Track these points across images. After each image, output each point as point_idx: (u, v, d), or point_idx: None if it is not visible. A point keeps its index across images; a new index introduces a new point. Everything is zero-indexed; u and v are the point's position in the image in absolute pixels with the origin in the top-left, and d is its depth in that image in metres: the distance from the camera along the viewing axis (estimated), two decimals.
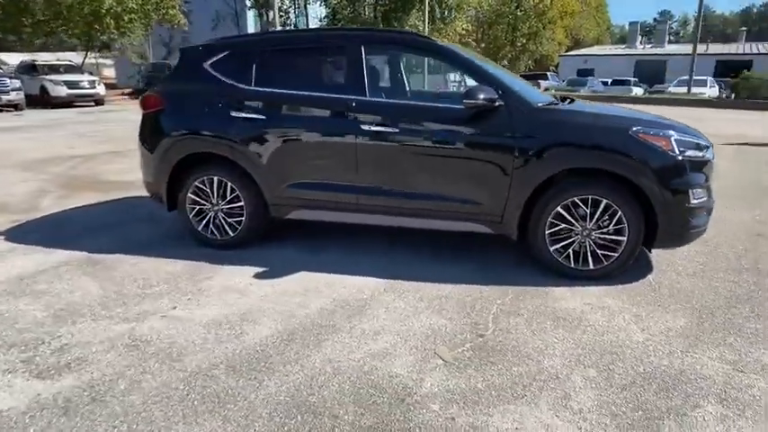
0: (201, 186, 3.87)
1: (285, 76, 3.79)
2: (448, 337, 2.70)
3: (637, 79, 33.69)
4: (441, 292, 3.22)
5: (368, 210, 3.64)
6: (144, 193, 4.38)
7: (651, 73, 41.29)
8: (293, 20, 31.52)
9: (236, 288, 3.30)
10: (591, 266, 3.32)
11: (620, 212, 3.18)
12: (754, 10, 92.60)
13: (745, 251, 3.97)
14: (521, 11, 46.83)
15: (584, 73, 44.74)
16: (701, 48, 28.02)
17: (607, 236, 3.25)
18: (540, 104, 3.38)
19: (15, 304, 3.08)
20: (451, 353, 2.56)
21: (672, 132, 3.21)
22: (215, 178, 3.82)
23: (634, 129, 3.18)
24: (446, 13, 33.46)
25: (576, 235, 3.30)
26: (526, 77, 15.11)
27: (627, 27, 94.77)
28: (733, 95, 21.51)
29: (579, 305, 3.05)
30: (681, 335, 2.72)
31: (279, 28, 21.67)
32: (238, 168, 3.77)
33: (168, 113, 3.92)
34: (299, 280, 3.42)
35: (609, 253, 3.28)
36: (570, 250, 3.34)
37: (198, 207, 3.93)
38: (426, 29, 26.79)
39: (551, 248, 3.35)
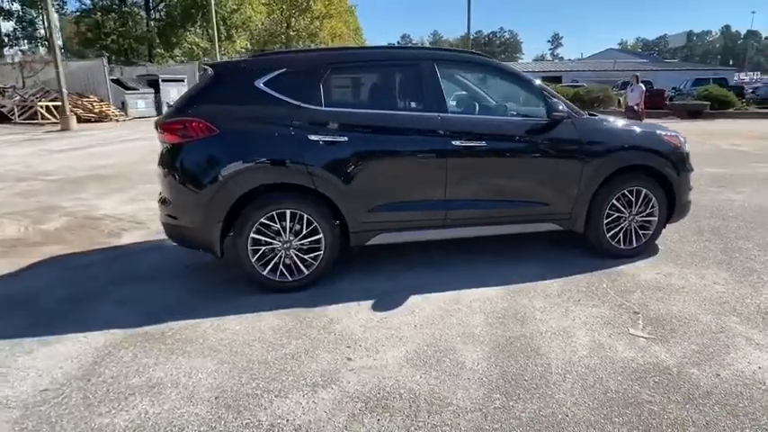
0: (268, 223, 3.40)
1: (355, 95, 3.60)
2: (620, 320, 3.07)
3: None
4: (555, 287, 3.55)
5: (455, 224, 3.73)
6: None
7: None
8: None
9: (378, 324, 3.08)
10: (634, 245, 4.05)
11: (653, 198, 3.98)
12: (471, 37, 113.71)
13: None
14: (293, 31, 48.44)
15: None
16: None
17: (644, 218, 4.03)
18: (585, 115, 3.98)
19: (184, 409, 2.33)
20: (641, 331, 2.94)
21: (677, 132, 4.16)
22: (288, 211, 3.40)
23: (659, 132, 4.03)
24: (231, 31, 32.55)
25: (625, 221, 3.99)
26: None
27: None
28: None
29: (654, 275, 3.74)
30: (706, 272, 3.61)
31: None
32: (318, 197, 3.44)
33: (225, 141, 3.32)
34: (422, 304, 3.34)
35: (645, 232, 4.06)
36: (621, 234, 4.02)
37: (263, 248, 3.43)
38: (217, 47, 25.72)
39: (607, 235, 3.97)
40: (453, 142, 3.57)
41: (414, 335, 2.94)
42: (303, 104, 3.41)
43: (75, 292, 3.65)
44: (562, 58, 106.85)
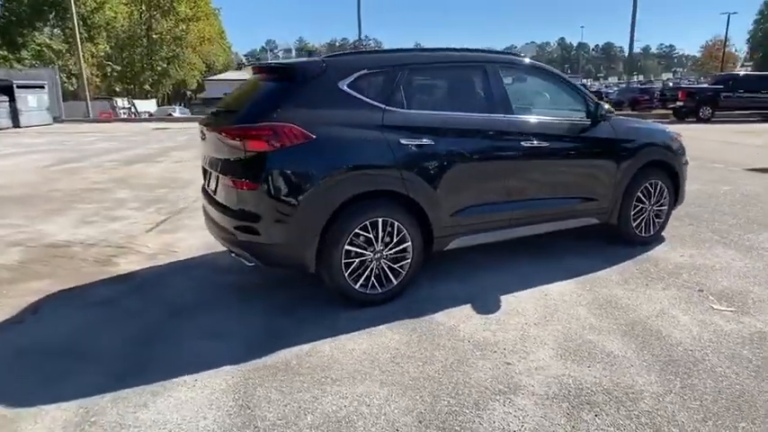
0: (361, 233, 3.23)
1: (431, 97, 3.56)
2: (693, 298, 3.44)
3: None
4: (614, 277, 3.86)
5: (518, 223, 3.86)
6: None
7: None
8: None
9: (498, 326, 3.10)
10: (651, 232, 4.55)
11: (666, 189, 4.51)
12: (337, 44, 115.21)
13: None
14: (156, 34, 45.05)
15: None
16: None
17: (659, 208, 4.54)
18: (612, 115, 4.35)
19: None
20: (721, 306, 3.33)
21: (677, 132, 4.75)
22: (380, 220, 3.26)
23: (668, 130, 4.57)
24: (93, 32, 29.06)
25: (645, 211, 4.46)
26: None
27: (240, 54, 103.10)
28: None
29: (680, 258, 4.24)
30: (717, 251, 4.24)
31: None
32: (408, 204, 3.34)
33: (322, 147, 3.07)
34: (518, 303, 3.42)
35: (658, 220, 4.58)
36: (642, 223, 4.48)
37: (355, 260, 3.25)
38: (80, 48, 22.85)
39: (633, 225, 4.41)
40: (521, 143, 3.70)
41: (542, 333, 3.01)
42: (388, 107, 3.30)
43: (131, 331, 3.11)
44: None
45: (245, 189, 3.07)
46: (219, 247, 4.54)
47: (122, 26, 40.04)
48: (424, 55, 3.71)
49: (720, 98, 19.76)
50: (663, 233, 4.77)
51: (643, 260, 4.18)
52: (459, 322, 3.14)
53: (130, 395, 2.45)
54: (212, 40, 51.31)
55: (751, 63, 64.03)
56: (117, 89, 43.12)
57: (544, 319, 3.17)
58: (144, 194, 7.22)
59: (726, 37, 56.95)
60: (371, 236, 3.25)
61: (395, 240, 3.33)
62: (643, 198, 4.41)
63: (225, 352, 2.84)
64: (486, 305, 3.37)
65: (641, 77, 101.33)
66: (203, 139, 3.58)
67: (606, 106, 4.05)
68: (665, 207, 4.58)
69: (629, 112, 22.98)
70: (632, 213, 4.37)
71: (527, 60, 4.17)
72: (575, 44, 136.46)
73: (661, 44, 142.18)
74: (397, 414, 2.28)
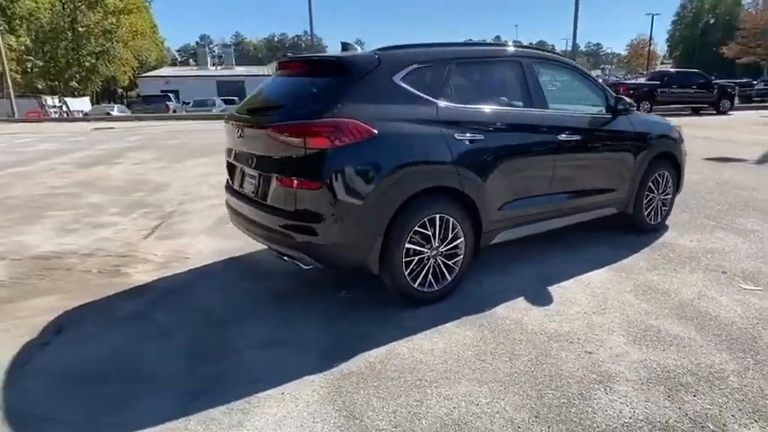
0: (419, 230, 3.17)
1: (476, 92, 3.53)
2: (721, 279, 3.65)
3: (219, 98, 36.30)
4: (642, 263, 4.02)
5: (552, 216, 3.93)
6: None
7: (232, 92, 45.14)
8: None
9: (561, 317, 3.14)
10: (659, 220, 4.78)
11: (671, 179, 4.75)
12: (275, 39, 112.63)
13: None
14: (82, 27, 42.28)
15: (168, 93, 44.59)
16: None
17: (664, 196, 4.77)
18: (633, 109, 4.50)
19: None
20: (750, 285, 3.55)
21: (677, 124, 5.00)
22: (437, 216, 3.21)
23: (671, 123, 4.80)
24: (14, 23, 26.66)
25: (654, 200, 4.68)
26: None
27: (172, 50, 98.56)
28: None
29: (690, 243, 4.47)
30: (721, 236, 4.54)
31: None
32: (463, 199, 3.32)
33: (385, 143, 2.97)
34: (568, 293, 3.48)
35: (664, 208, 4.81)
36: (653, 212, 4.69)
37: (414, 258, 3.19)
38: (0, 41, 20.92)
39: (645, 213, 4.61)
40: (558, 137, 3.77)
41: (605, 321, 3.08)
42: (440, 102, 3.25)
43: (179, 347, 2.89)
44: None
45: (306, 188, 2.91)
46: (234, 251, 4.38)
47: (44, 17, 37.22)
48: (469, 49, 3.69)
49: (657, 93, 21.11)
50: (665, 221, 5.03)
51: (659, 247, 4.38)
52: (521, 315, 3.16)
53: (218, 416, 2.28)
54: (144, 35, 48.75)
55: (671, 61, 68.91)
56: (39, 86, 40.09)
57: (600, 308, 3.24)
58: (120, 199, 6.75)
59: (651, 36, 60.81)
60: (429, 233, 3.19)
61: (450, 237, 3.29)
62: (653, 187, 4.61)
63: (297, 361, 2.70)
64: (539, 297, 3.41)
65: None
66: (240, 136, 3.37)
67: (627, 100, 4.19)
68: (670, 195, 4.82)
69: None
70: (645, 202, 4.57)
71: (555, 55, 4.24)
72: (510, 42, 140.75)
73: (589, 42, 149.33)
74: (510, 411, 2.25)
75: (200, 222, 5.50)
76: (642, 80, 23.52)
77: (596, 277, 3.73)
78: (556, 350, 2.75)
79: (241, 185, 3.53)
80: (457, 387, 2.44)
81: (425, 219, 3.15)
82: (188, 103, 34.25)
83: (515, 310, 3.22)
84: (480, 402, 2.32)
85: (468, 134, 3.28)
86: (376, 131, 2.93)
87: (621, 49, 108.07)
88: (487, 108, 3.48)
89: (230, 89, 45.26)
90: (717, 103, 21.56)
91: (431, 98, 3.22)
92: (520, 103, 3.70)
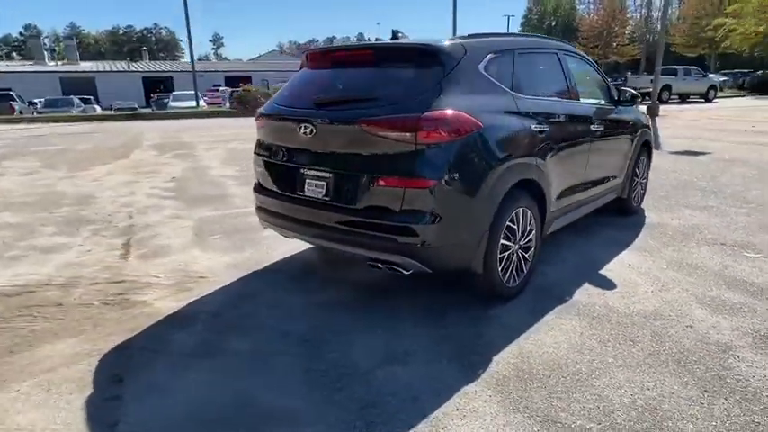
0: (509, 225, 3.14)
1: (531, 82, 3.54)
2: (726, 251, 4.15)
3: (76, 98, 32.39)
4: (652, 243, 4.40)
5: (583, 203, 4.14)
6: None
7: (82, 90, 40.40)
8: None
9: (645, 300, 3.32)
10: (639, 202, 5.29)
11: (646, 161, 5.28)
12: (120, 32, 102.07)
13: None
14: None
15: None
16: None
17: (642, 180, 5.29)
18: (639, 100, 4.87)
19: None
20: (752, 253, 4.08)
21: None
22: (521, 209, 3.21)
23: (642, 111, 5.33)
24: None
25: (637, 184, 5.16)
26: None
27: None
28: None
29: (676, 222, 5.01)
30: (693, 215, 5.21)
31: None
32: (537, 191, 3.35)
33: (488, 136, 2.87)
34: (617, 274, 3.69)
35: (642, 191, 5.33)
36: (636, 195, 5.17)
37: (504, 254, 3.15)
38: None
39: (632, 196, 5.07)
40: (591, 127, 3.97)
41: (674, 296, 3.32)
42: (514, 93, 3.24)
43: (290, 375, 2.54)
44: (227, 58, 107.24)
45: (417, 187, 2.70)
46: (251, 265, 3.99)
47: None
48: (524, 39, 3.72)
49: None
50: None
51: (652, 226, 4.83)
52: (602, 300, 3.28)
53: None
54: None
55: None
56: None
57: (660, 286, 3.49)
58: (46, 216, 5.67)
59: None
60: (515, 227, 3.17)
61: (528, 229, 3.30)
62: (637, 172, 5.08)
63: (439, 372, 2.51)
64: (601, 281, 3.57)
65: None
66: (307, 134, 3.01)
67: (631, 91, 4.55)
68: (646, 180, 5.34)
69: None
70: (632, 187, 5.02)
71: (571, 46, 4.43)
72: (372, 40, 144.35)
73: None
74: (681, 390, 2.33)
75: (177, 237, 4.84)
76: None
77: (629, 258, 4.00)
78: (662, 328, 2.90)
79: (299, 189, 3.17)
80: (616, 376, 2.46)
81: (513, 213, 3.12)
82: (35, 104, 29.74)
83: (593, 296, 3.34)
84: (649, 386, 2.37)
85: (540, 126, 3.31)
86: (481, 124, 2.82)
87: None
88: (549, 99, 3.55)
89: (78, 87, 40.13)
90: None
91: (507, 89, 3.19)
92: (562, 94, 3.82)
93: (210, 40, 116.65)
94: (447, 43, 3.03)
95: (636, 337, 2.81)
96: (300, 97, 3.28)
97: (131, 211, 5.82)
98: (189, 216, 5.56)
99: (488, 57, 3.13)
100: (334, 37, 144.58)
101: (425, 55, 2.97)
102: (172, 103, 24.62)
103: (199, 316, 3.18)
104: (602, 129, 4.14)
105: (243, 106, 22.70)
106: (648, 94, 26.81)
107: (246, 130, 15.44)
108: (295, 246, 4.29)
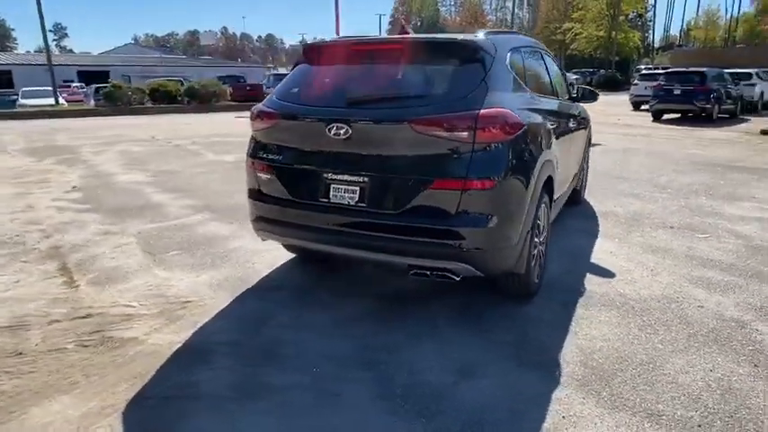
0: (537, 221, 3.17)
1: (533, 80, 3.58)
2: (681, 233, 4.62)
3: None
4: (614, 229, 4.75)
5: (563, 199, 4.32)
6: None
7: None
8: None
9: (643, 282, 3.55)
10: (584, 192, 5.69)
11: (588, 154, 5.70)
12: None
13: None
14: None
15: None
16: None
17: (586, 171, 5.69)
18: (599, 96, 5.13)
19: None
20: (700, 234, 4.59)
21: None
22: (543, 205, 3.25)
23: None
24: None
25: (584, 176, 5.53)
26: None
27: None
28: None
29: (616, 208, 5.46)
30: (631, 202, 5.77)
31: None
32: (552, 186, 3.41)
33: (529, 134, 2.84)
34: (609, 263, 3.91)
35: (586, 183, 5.74)
36: (582, 186, 5.55)
37: (534, 251, 3.17)
38: None
39: (583, 186, 5.44)
40: (570, 122, 4.16)
41: (669, 279, 3.60)
42: (529, 90, 3.26)
43: (370, 405, 2.29)
44: (72, 51, 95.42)
45: (476, 188, 2.57)
46: (237, 282, 3.66)
47: None
48: (522, 38, 3.72)
49: None
50: None
51: (605, 215, 5.20)
52: (614, 289, 3.43)
53: None
54: None
55: None
56: None
57: (649, 270, 3.75)
58: None
59: (380, 34, 67.74)
60: (541, 223, 3.19)
61: (546, 224, 3.36)
62: (585, 164, 5.45)
63: (514, 380, 2.44)
64: (599, 271, 3.74)
65: None
66: (341, 135, 2.71)
67: (589, 89, 4.83)
68: (585, 171, 5.76)
69: None
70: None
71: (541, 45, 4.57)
72: (238, 34, 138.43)
73: (315, 38, 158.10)
74: (738, 367, 2.52)
75: (124, 256, 4.15)
76: None
77: (607, 246, 4.26)
78: (680, 311, 3.12)
79: (322, 195, 2.87)
80: (676, 361, 2.58)
81: (541, 209, 3.14)
82: None
83: (602, 285, 3.48)
84: (710, 367, 2.52)
85: (551, 122, 3.37)
86: (524, 123, 2.78)
87: None
88: (548, 97, 3.63)
89: None
90: None
91: (525, 86, 3.19)
92: (550, 91, 3.93)
93: (51, 30, 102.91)
94: (483, 38, 2.93)
95: (666, 322, 2.98)
96: (322, 95, 2.96)
97: (44, 229, 4.88)
98: (123, 231, 4.81)
99: (509, 54, 3.10)
100: (196, 30, 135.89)
101: (467, 50, 2.85)
102: (22, 101, 21.16)
103: (216, 348, 2.74)
104: (575, 124, 4.36)
105: (112, 104, 20.40)
106: None
107: (129, 131, 13.92)
108: (274, 257, 3.95)
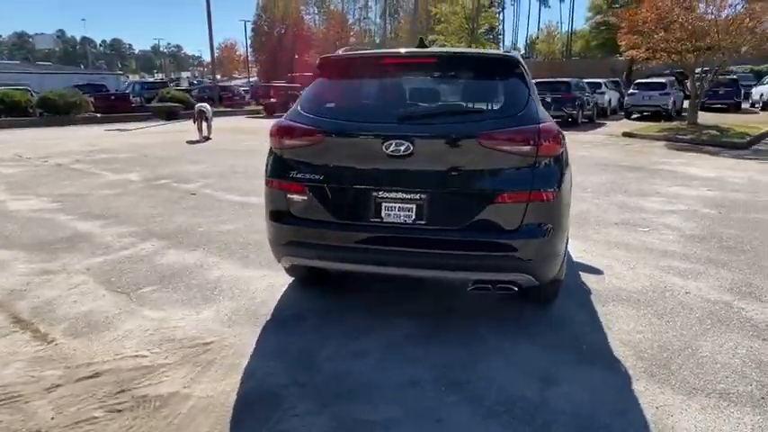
0: None
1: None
2: (625, 228, 5.21)
3: None
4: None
5: None
6: None
7: None
8: None
9: (632, 277, 3.95)
10: None
11: None
12: None
13: None
14: None
15: None
16: None
17: None
18: None
19: None
20: (641, 229, 5.22)
21: None
22: None
23: None
24: None
25: None
26: None
27: None
28: None
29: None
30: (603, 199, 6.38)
31: None
32: None
33: (565, 145, 2.97)
34: (588, 260, 4.30)
35: None
36: None
37: None
38: None
39: None
40: None
41: (647, 272, 4.03)
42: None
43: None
44: None
45: (540, 200, 2.65)
46: (254, 317, 3.31)
47: None
48: None
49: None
50: None
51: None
52: (609, 284, 3.75)
53: None
54: None
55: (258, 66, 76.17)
56: None
57: (627, 265, 4.16)
58: None
59: (246, 41, 65.58)
60: None
61: None
62: None
63: (596, 383, 2.57)
64: (586, 267, 4.05)
65: (162, 75, 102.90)
66: (398, 153, 2.63)
67: None
68: None
69: (223, 108, 24.27)
70: None
71: None
72: (78, 38, 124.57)
73: (169, 43, 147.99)
74: (759, 346, 2.93)
75: (88, 299, 3.56)
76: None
77: (576, 244, 4.63)
78: (675, 298, 3.52)
79: (373, 215, 2.76)
80: (704, 344, 2.90)
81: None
82: None
83: (599, 282, 3.77)
84: (735, 345, 2.88)
85: None
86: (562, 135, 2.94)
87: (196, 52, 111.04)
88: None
89: None
90: None
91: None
92: None
93: None
94: (516, 54, 3.03)
95: (672, 310, 3.35)
96: (368, 110, 2.85)
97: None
98: (66, 268, 4.11)
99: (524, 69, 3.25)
100: (25, 32, 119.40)
101: (509, 65, 2.93)
102: None
103: (282, 392, 2.48)
104: None
105: None
106: None
107: None
108: (269, 284, 3.75)
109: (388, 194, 2.73)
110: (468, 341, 2.92)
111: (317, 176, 2.81)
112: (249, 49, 79.22)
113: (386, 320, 3.17)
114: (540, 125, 2.66)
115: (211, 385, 2.52)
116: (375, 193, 2.74)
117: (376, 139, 2.67)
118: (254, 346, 2.90)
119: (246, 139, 13.67)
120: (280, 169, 2.92)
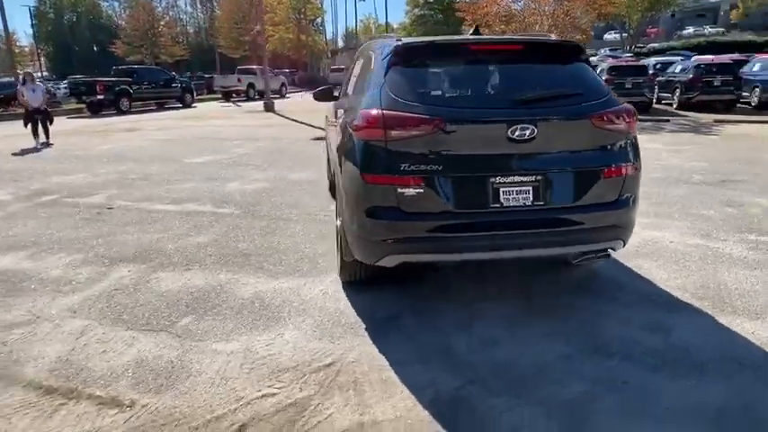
0: None
1: None
2: None
3: None
4: None
5: None
6: None
7: None
8: None
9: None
10: None
11: None
12: None
13: None
14: None
15: None
16: None
17: None
18: None
19: None
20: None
21: None
22: None
23: None
24: None
25: None
26: None
27: None
28: None
29: None
30: None
31: None
32: None
33: None
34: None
35: None
36: None
37: None
38: None
39: None
40: None
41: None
42: None
43: None
44: None
45: (631, 173, 2.91)
46: (352, 327, 3.06)
47: None
48: None
49: (133, 90, 21.18)
50: None
51: None
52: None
53: None
54: None
55: (44, 59, 65.19)
56: None
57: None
58: None
59: (34, 31, 55.50)
60: None
61: None
62: None
63: (711, 319, 2.96)
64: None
65: None
66: (524, 137, 2.64)
67: None
68: None
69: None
70: None
71: None
72: None
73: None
74: None
75: (122, 344, 2.87)
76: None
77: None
78: (699, 252, 4.14)
79: (492, 201, 2.74)
80: (755, 279, 3.50)
81: None
82: None
83: None
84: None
85: None
86: None
87: None
88: None
89: None
90: (182, 97, 23.78)
91: None
92: None
93: None
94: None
95: (702, 257, 3.94)
96: (474, 96, 2.81)
97: None
98: (40, 315, 3.22)
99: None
100: None
101: (581, 51, 3.11)
102: None
103: (465, 393, 2.36)
104: None
105: None
106: (235, 92, 29.21)
107: None
108: (321, 290, 3.51)
109: (505, 179, 2.72)
110: (571, 313, 3.08)
111: (435, 167, 2.67)
112: (34, 39, 67.42)
113: (486, 306, 3.16)
114: (625, 105, 2.91)
115: (385, 405, 2.28)
116: (492, 179, 2.71)
117: (500, 124, 2.64)
118: (384, 356, 2.67)
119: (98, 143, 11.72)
120: (385, 163, 2.69)
